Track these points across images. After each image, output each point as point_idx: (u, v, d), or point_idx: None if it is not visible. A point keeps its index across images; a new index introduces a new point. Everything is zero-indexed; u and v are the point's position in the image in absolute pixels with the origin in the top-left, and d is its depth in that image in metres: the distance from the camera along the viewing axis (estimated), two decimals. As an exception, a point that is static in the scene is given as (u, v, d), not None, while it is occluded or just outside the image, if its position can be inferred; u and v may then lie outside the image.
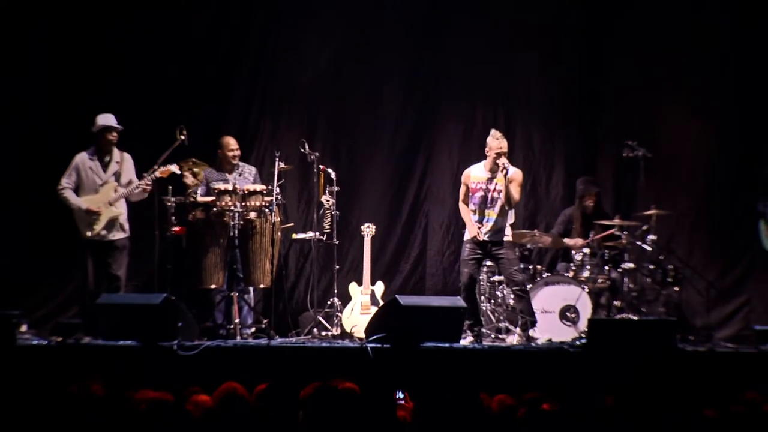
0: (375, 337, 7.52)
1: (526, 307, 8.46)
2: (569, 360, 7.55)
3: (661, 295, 9.36)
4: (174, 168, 8.54)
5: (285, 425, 5.92)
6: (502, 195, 8.37)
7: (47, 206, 8.93)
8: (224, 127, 9.56)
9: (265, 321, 8.61)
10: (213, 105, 9.95)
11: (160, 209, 8.58)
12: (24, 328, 8.59)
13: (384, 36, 10.21)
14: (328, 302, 9.07)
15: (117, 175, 8.64)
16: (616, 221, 9.27)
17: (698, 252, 10.03)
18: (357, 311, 8.97)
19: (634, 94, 10.17)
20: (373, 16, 10.21)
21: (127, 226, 8.64)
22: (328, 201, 9.00)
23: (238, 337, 8.34)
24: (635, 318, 8.85)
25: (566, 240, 9.46)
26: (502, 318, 9.09)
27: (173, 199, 8.57)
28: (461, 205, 8.61)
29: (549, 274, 9.28)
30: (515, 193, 8.37)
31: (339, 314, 8.93)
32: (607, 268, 9.23)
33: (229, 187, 8.59)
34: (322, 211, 9.04)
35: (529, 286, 8.84)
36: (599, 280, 9.14)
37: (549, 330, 8.76)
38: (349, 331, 8.78)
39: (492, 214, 8.40)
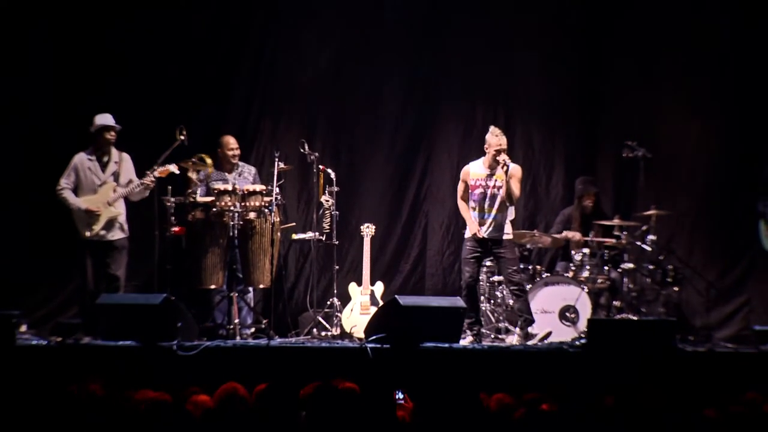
0: (374, 337, 7.51)
1: (524, 306, 8.47)
2: (569, 360, 7.55)
3: (660, 295, 9.37)
4: (173, 168, 8.53)
5: (285, 425, 5.92)
6: (501, 191, 8.38)
7: (47, 206, 8.92)
8: (224, 127, 9.56)
9: (264, 321, 8.61)
10: (213, 105, 9.94)
11: (160, 209, 8.58)
12: (24, 328, 8.59)
13: (384, 36, 10.21)
14: (328, 302, 9.08)
15: (116, 175, 8.64)
16: (616, 221, 9.28)
17: (698, 252, 10.03)
18: (357, 311, 8.97)
19: (634, 94, 10.17)
20: (373, 16, 10.21)
21: (126, 226, 8.64)
22: (327, 201, 9.00)
23: (238, 338, 8.34)
24: (635, 318, 8.85)
25: (565, 232, 9.44)
26: (501, 318, 9.09)
27: (173, 200, 8.57)
28: (460, 202, 8.62)
29: (549, 275, 9.28)
30: (515, 189, 8.38)
31: (339, 314, 8.94)
32: (606, 268, 9.23)
33: (229, 187, 8.60)
34: (321, 211, 9.04)
35: (528, 287, 8.85)
36: (599, 281, 9.14)
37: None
38: (348, 332, 8.78)
39: (492, 211, 8.41)
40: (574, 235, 9.39)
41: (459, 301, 7.97)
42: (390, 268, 10.08)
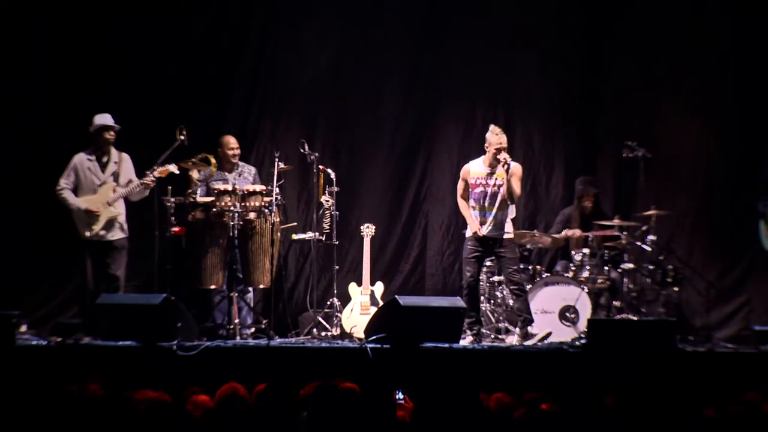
0: (374, 337, 7.51)
1: (523, 306, 8.47)
2: (569, 360, 7.55)
3: (660, 295, 9.36)
4: (173, 168, 8.53)
5: (285, 425, 5.93)
6: (502, 190, 8.38)
7: (47, 206, 8.92)
8: (224, 127, 9.56)
9: (264, 321, 8.61)
10: (213, 105, 9.94)
11: (160, 209, 8.57)
12: (24, 328, 8.59)
13: (384, 36, 10.21)
14: (328, 302, 9.08)
15: (115, 176, 8.64)
16: (616, 221, 9.27)
17: (698, 252, 10.03)
18: (357, 311, 8.97)
19: (634, 94, 10.17)
20: (373, 16, 10.21)
21: (126, 226, 8.64)
22: (327, 201, 9.00)
23: (238, 338, 8.34)
24: (635, 318, 8.85)
25: (565, 230, 9.44)
26: (501, 318, 9.09)
27: (173, 200, 8.57)
28: (460, 201, 8.63)
29: (548, 275, 9.28)
30: (516, 187, 8.39)
31: (338, 314, 8.94)
32: (606, 268, 9.23)
33: (229, 187, 8.60)
34: (321, 211, 9.04)
35: (528, 287, 8.85)
36: (599, 281, 9.14)
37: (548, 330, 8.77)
38: (348, 332, 8.78)
39: (492, 210, 8.42)
40: (574, 233, 9.38)
41: (459, 301, 7.97)
42: (390, 268, 10.08)
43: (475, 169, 8.54)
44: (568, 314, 8.99)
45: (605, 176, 10.20)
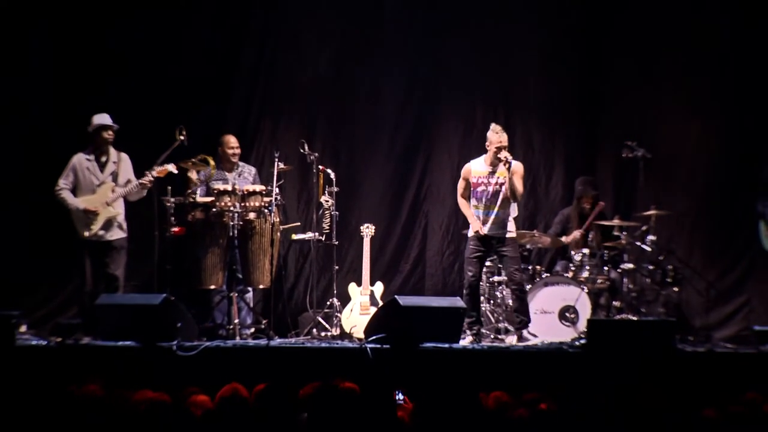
0: (374, 337, 7.50)
1: (521, 307, 8.47)
2: (568, 360, 7.54)
3: (660, 295, 9.36)
4: (171, 168, 8.53)
5: (284, 425, 5.93)
6: (504, 188, 8.38)
7: (47, 206, 8.91)
8: (224, 127, 9.56)
9: (264, 321, 8.61)
10: (213, 105, 9.94)
11: (160, 210, 8.57)
12: (23, 328, 8.59)
13: (384, 36, 10.21)
14: (328, 303, 9.07)
15: (114, 176, 8.63)
16: (616, 222, 9.27)
17: (698, 252, 10.03)
18: (356, 312, 8.97)
19: (634, 94, 10.17)
20: (373, 16, 10.21)
21: (125, 226, 8.64)
22: (327, 201, 9.00)
23: (238, 338, 8.34)
24: (634, 318, 8.85)
25: (563, 238, 9.45)
26: (501, 318, 9.09)
27: (173, 200, 8.57)
28: (460, 200, 8.62)
29: (548, 275, 9.27)
30: (519, 185, 8.39)
31: (338, 315, 8.94)
32: (606, 268, 9.22)
33: (229, 187, 8.60)
34: (321, 211, 9.03)
35: (528, 287, 8.85)
36: (599, 281, 9.14)
37: (548, 330, 8.76)
38: (348, 332, 8.78)
39: (494, 208, 8.42)
40: (574, 236, 9.37)
41: (459, 302, 7.97)
42: (390, 268, 10.08)
43: (476, 168, 8.54)
44: (567, 314, 8.99)
45: (605, 176, 10.20)
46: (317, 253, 9.37)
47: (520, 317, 8.45)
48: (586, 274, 9.13)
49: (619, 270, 9.22)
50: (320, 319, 8.96)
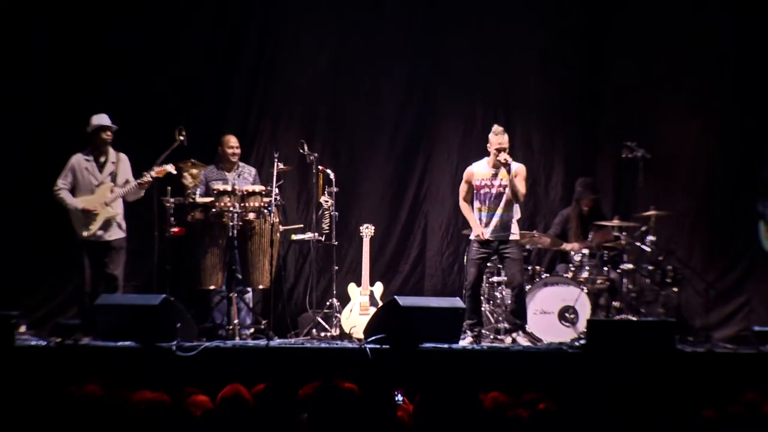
0: (374, 337, 7.51)
1: (519, 310, 8.46)
2: (568, 361, 7.54)
3: (660, 295, 9.35)
4: (170, 168, 8.53)
5: (284, 425, 5.93)
6: (507, 190, 8.38)
7: (47, 206, 8.90)
8: (224, 127, 9.55)
9: (264, 322, 8.61)
10: (213, 105, 9.94)
11: (159, 210, 8.58)
12: (23, 328, 8.60)
13: (384, 36, 10.20)
14: (327, 303, 9.08)
15: (113, 176, 8.63)
16: (615, 222, 9.27)
17: (698, 252, 10.03)
18: (356, 312, 8.97)
19: (634, 94, 10.17)
20: (373, 16, 10.21)
21: (124, 226, 8.64)
22: (327, 202, 9.00)
23: (237, 338, 8.34)
24: (634, 319, 8.85)
25: (564, 245, 9.45)
26: (501, 319, 9.08)
27: (172, 200, 8.58)
28: (462, 204, 8.61)
29: (548, 275, 9.27)
30: (521, 186, 8.39)
31: (338, 315, 8.94)
32: (606, 268, 9.22)
33: (228, 187, 8.60)
34: (321, 211, 9.04)
35: (528, 287, 8.84)
36: (598, 281, 9.14)
37: (548, 331, 8.77)
38: (348, 332, 8.78)
39: (498, 210, 8.42)
40: (573, 246, 9.37)
41: (458, 302, 7.97)
42: (389, 268, 10.08)
43: (479, 170, 8.53)
44: (567, 315, 8.98)
45: (605, 176, 10.20)
46: (317, 254, 9.38)
47: (516, 320, 8.45)
48: (585, 274, 9.13)
49: (618, 270, 9.22)
50: (320, 319, 8.96)
